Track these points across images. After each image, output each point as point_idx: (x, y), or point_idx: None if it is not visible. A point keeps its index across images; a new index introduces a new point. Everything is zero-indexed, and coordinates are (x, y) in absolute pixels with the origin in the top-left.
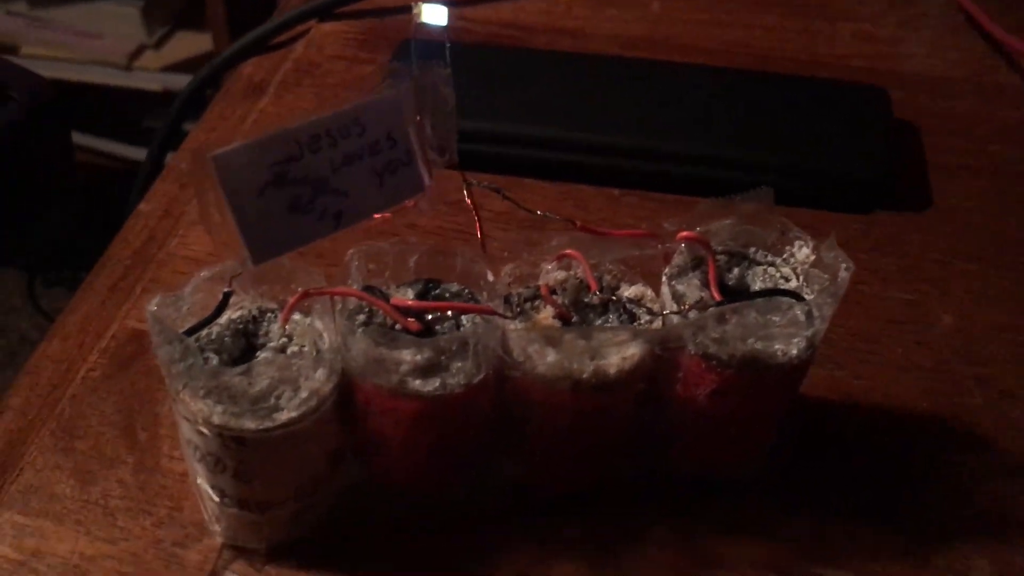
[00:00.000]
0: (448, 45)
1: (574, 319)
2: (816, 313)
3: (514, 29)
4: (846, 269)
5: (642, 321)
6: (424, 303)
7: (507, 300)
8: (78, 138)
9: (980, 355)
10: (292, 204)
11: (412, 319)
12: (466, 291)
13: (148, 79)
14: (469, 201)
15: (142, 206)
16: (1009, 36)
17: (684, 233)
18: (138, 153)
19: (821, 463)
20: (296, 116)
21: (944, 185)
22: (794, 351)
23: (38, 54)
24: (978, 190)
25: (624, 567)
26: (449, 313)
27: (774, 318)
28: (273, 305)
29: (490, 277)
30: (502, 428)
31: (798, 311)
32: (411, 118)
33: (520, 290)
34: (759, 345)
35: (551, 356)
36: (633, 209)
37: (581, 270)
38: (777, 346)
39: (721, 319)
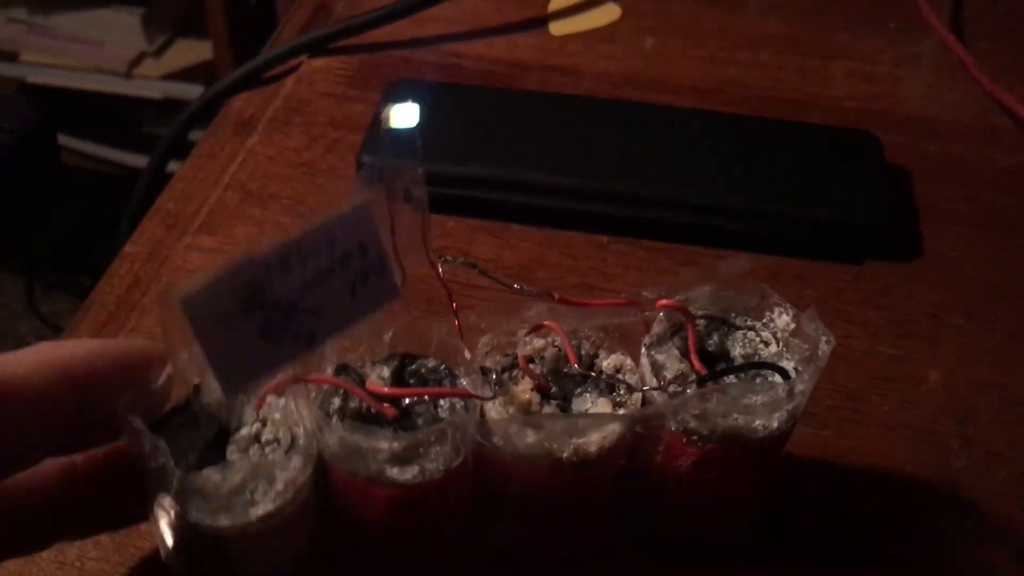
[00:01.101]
0: (420, 144)
1: (553, 390)
2: (797, 388)
3: (507, 66)
4: (827, 343)
5: (621, 393)
6: (400, 390)
7: (483, 372)
8: (79, 144)
9: (967, 414)
10: (262, 331)
11: (388, 405)
12: (443, 367)
13: (148, 87)
14: (442, 276)
15: (128, 248)
16: (995, 84)
17: (663, 301)
18: (137, 160)
19: (806, 525)
20: (262, 239)
21: (936, 233)
22: (775, 424)
23: (38, 61)
24: (969, 239)
25: None
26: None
27: (754, 396)
28: None
29: (467, 354)
30: (484, 499)
31: (780, 388)
32: (383, 223)
33: (498, 357)
34: (740, 420)
35: (531, 437)
36: (621, 256)
37: (559, 340)
38: (758, 421)
39: (702, 397)
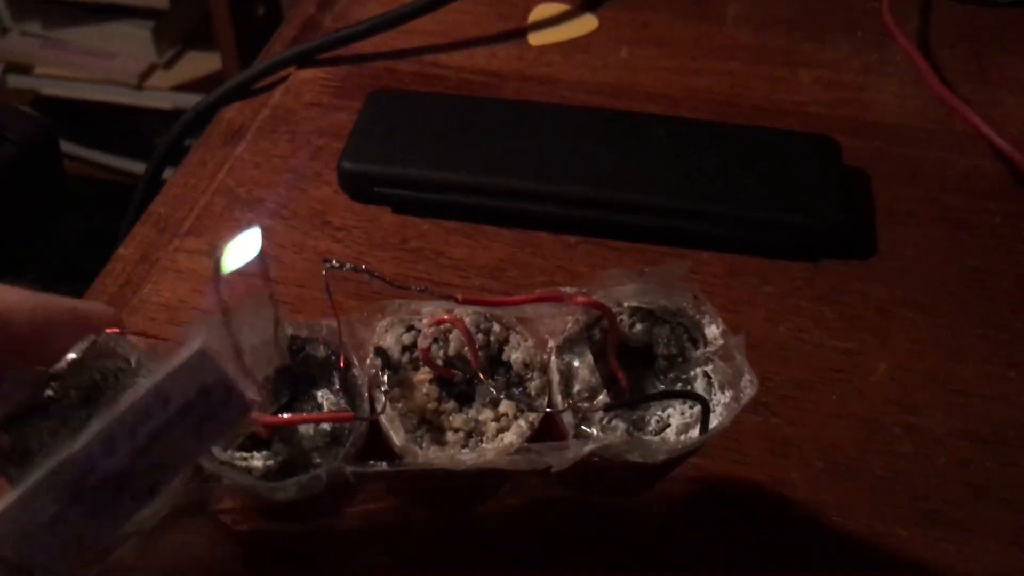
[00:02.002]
0: (265, 261)
1: (456, 377)
2: (714, 426)
3: (485, 75)
4: (751, 383)
5: (523, 409)
6: (278, 419)
7: (379, 352)
8: (89, 154)
9: (913, 403)
10: (93, 511)
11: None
12: (333, 357)
13: (158, 98)
14: (325, 282)
15: (121, 250)
16: (952, 95)
17: (581, 299)
18: None
19: (741, 507)
20: (79, 430)
21: (891, 233)
22: (679, 454)
23: (52, 73)
24: (924, 239)
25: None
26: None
27: (667, 434)
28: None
29: (355, 369)
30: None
31: (693, 443)
32: (227, 356)
33: (400, 332)
34: (646, 456)
35: (422, 455)
36: (588, 256)
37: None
38: (663, 456)
39: (607, 447)
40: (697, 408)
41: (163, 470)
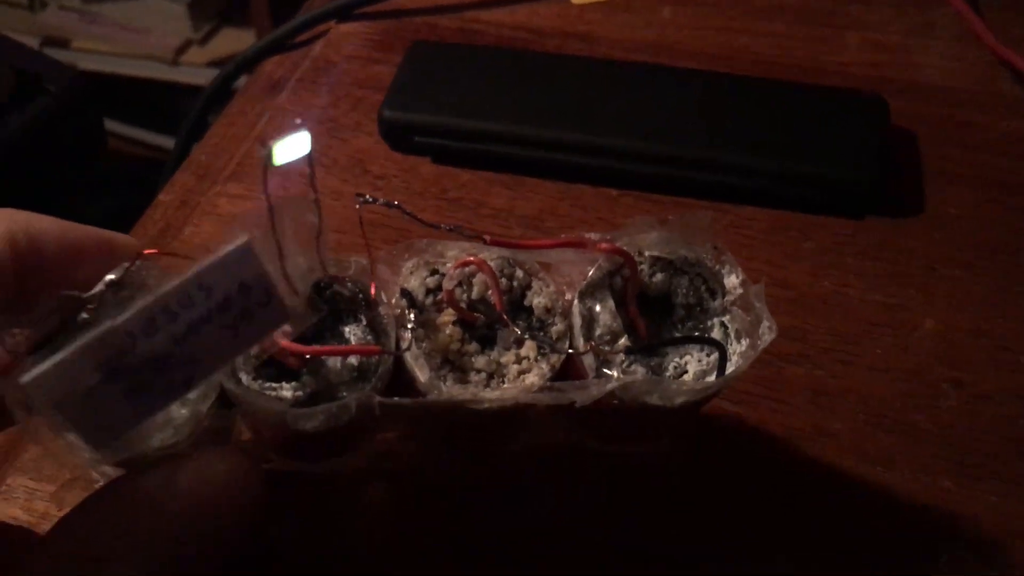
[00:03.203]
0: (311, 171)
1: (479, 320)
2: (728, 371)
3: (526, 32)
4: (770, 329)
5: (544, 352)
6: (308, 348)
7: (404, 294)
8: (125, 130)
9: (958, 359)
10: (129, 391)
11: (293, 358)
12: (360, 295)
13: (193, 74)
14: (359, 216)
15: (161, 196)
16: (1007, 49)
17: (604, 244)
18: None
19: (782, 456)
20: (159, 260)
21: (937, 192)
22: (699, 398)
23: (88, 48)
24: (970, 198)
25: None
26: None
27: (685, 378)
28: None
29: (382, 310)
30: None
31: (710, 386)
32: (271, 257)
33: (425, 274)
34: (664, 398)
35: (447, 394)
36: (629, 209)
37: (489, 279)
38: (680, 400)
39: (625, 387)
40: (714, 356)
41: (199, 365)
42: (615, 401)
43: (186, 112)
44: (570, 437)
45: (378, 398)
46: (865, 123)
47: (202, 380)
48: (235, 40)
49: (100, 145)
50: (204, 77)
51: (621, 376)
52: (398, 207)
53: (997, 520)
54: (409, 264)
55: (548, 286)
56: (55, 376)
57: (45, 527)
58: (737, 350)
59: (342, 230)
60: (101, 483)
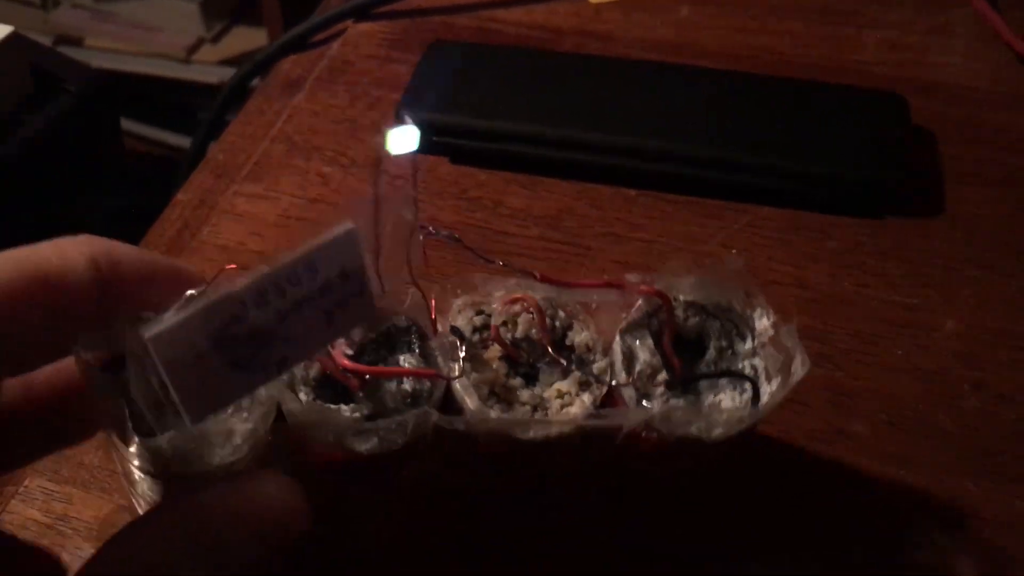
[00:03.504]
0: (415, 170)
1: (524, 355)
2: (762, 403)
3: (544, 31)
4: (802, 365)
5: (586, 386)
6: (366, 368)
7: (454, 331)
8: (137, 128)
9: (980, 360)
10: (233, 362)
11: (353, 379)
12: (413, 328)
13: (205, 72)
14: (422, 247)
15: (180, 195)
16: None
17: (644, 287)
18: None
19: (802, 456)
20: (240, 274)
21: (958, 193)
22: (735, 431)
23: (101, 46)
24: (991, 198)
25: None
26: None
27: (720, 410)
28: None
29: (432, 343)
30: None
31: (745, 414)
32: (369, 248)
33: (471, 314)
34: (702, 429)
35: (492, 425)
36: (647, 210)
37: (535, 315)
38: (718, 431)
39: (665, 416)
40: (747, 396)
41: (294, 347)
42: (654, 434)
43: (198, 110)
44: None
45: (435, 415)
46: (885, 122)
47: (295, 364)
48: (247, 39)
49: (117, 143)
50: (216, 75)
51: (661, 411)
52: (459, 241)
53: (1020, 523)
54: (459, 302)
55: (589, 326)
56: (175, 335)
57: (63, 529)
58: (768, 389)
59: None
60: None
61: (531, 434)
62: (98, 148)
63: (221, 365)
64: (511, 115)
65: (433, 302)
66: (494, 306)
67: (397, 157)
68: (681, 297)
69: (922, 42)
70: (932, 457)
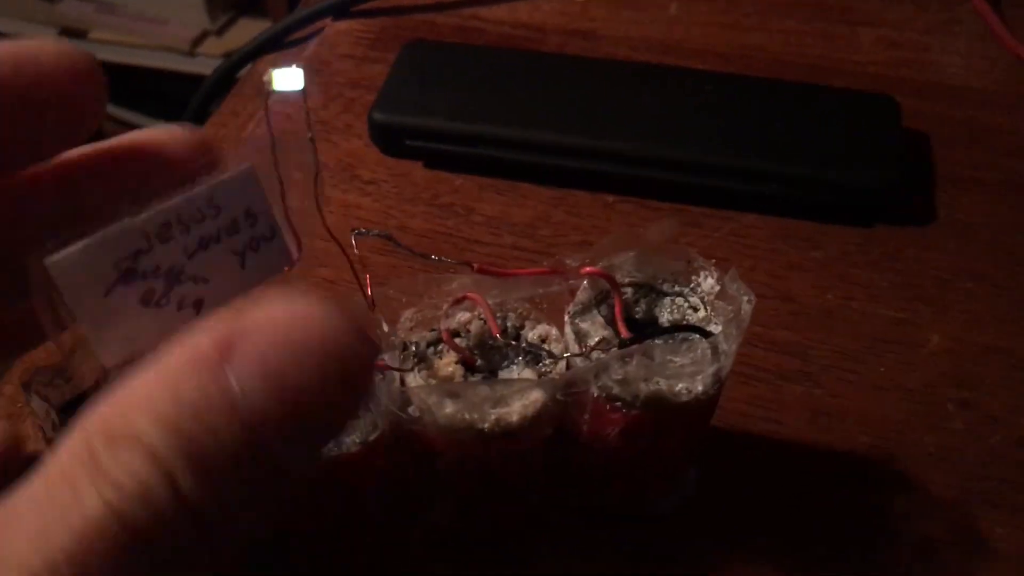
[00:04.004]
0: (307, 112)
1: (478, 363)
2: (721, 348)
3: (527, 30)
4: (748, 302)
5: (545, 363)
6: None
7: (404, 348)
8: (141, 120)
9: (968, 378)
10: (144, 299)
11: None
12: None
13: (210, 64)
14: (355, 251)
15: None
16: None
17: (587, 268)
18: None
19: (785, 485)
20: (144, 205)
21: (951, 198)
22: (700, 387)
23: (105, 39)
24: (987, 205)
25: None
26: None
27: (676, 358)
28: None
29: (384, 327)
30: (414, 475)
31: (701, 349)
32: (273, 189)
33: (424, 333)
34: (663, 384)
35: (450, 407)
36: (626, 216)
37: (482, 312)
38: (681, 385)
39: (623, 360)
40: (703, 353)
41: (210, 288)
42: (619, 405)
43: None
44: (573, 496)
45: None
46: (876, 125)
47: (212, 306)
48: (252, 31)
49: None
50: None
51: (614, 356)
52: (390, 238)
53: (1007, 551)
54: (407, 315)
55: (541, 321)
56: (76, 261)
57: None
58: (725, 343)
59: (329, 238)
60: None
61: (491, 419)
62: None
63: (131, 302)
64: (487, 118)
65: (369, 290)
66: (446, 308)
67: (283, 97)
68: (626, 279)
69: (920, 40)
70: (914, 481)
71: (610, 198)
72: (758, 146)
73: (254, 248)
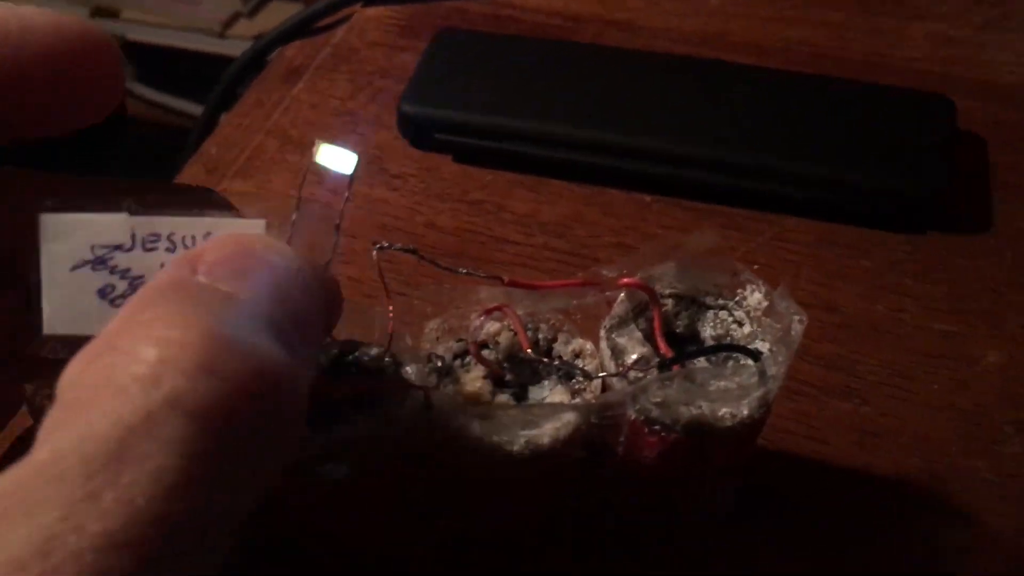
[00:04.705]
0: (348, 198)
1: (507, 377)
2: (769, 372)
3: (562, 19)
4: (799, 321)
5: (579, 381)
6: (332, 385)
7: (430, 359)
8: (172, 101)
9: None
10: (101, 291)
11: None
12: (387, 355)
13: (241, 47)
14: (377, 265)
15: None
16: None
17: (625, 280)
18: None
19: (824, 508)
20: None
21: (1008, 206)
22: (745, 412)
23: (137, 19)
24: None
25: None
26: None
27: (720, 381)
28: None
29: (408, 340)
30: (435, 494)
31: (748, 373)
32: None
33: (450, 343)
34: (705, 409)
35: (478, 429)
36: (663, 217)
37: (512, 321)
38: (725, 409)
39: (663, 383)
40: (749, 377)
41: None
42: (657, 428)
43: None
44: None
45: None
46: (928, 127)
47: None
48: (283, 13)
49: (121, 121)
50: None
51: (654, 379)
52: (415, 252)
53: None
54: (432, 326)
55: (574, 335)
56: (63, 227)
57: None
58: (774, 366)
59: (355, 234)
60: None
61: (521, 443)
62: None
63: (90, 288)
64: (519, 112)
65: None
66: (474, 319)
67: (330, 177)
68: (667, 291)
69: (974, 37)
70: (967, 509)
71: (647, 198)
72: (804, 146)
73: None
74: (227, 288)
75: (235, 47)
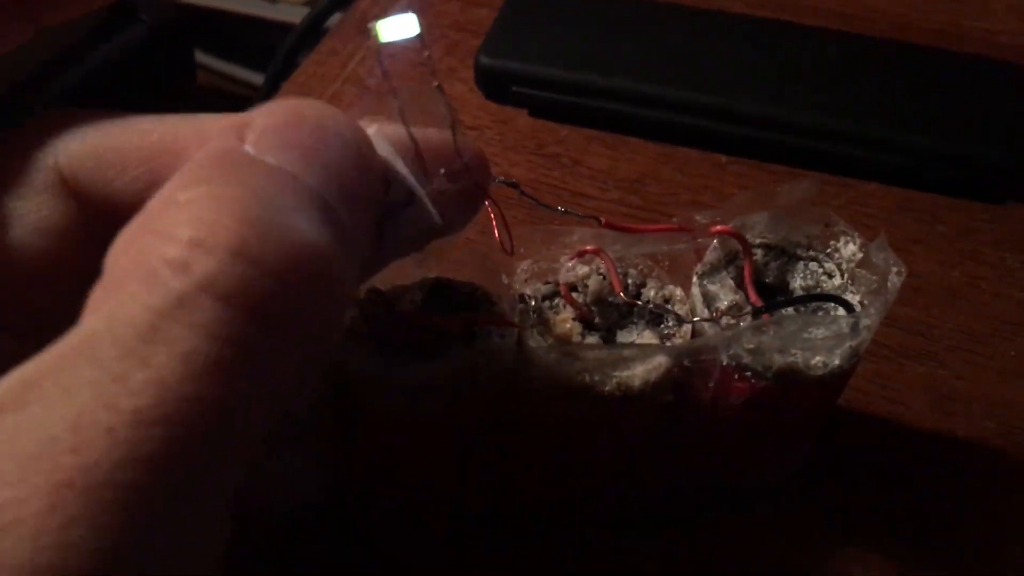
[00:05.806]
0: (429, 56)
1: (596, 320)
2: (863, 323)
3: None
4: (898, 273)
5: (669, 325)
6: (430, 320)
7: (522, 299)
8: (224, 67)
9: None
10: None
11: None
12: (479, 292)
13: (292, 12)
14: (489, 200)
15: None
16: None
17: (717, 227)
18: None
19: (897, 469)
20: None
21: None
22: (836, 362)
23: None
24: None
25: None
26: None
27: (815, 331)
28: None
29: (504, 279)
30: (517, 445)
31: (843, 323)
32: (403, 150)
33: (539, 285)
34: (798, 357)
35: (570, 369)
36: (739, 178)
37: (604, 268)
38: (818, 358)
39: (757, 330)
40: (840, 328)
41: None
42: (748, 375)
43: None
44: (678, 470)
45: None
46: (1010, 97)
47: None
48: None
49: (190, 77)
50: (301, 16)
51: (748, 326)
52: (515, 186)
53: None
54: (523, 267)
55: (664, 281)
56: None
57: None
58: (868, 318)
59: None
60: None
61: (612, 383)
62: (170, 82)
63: None
64: (597, 67)
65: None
66: (565, 261)
67: (397, 46)
68: (757, 240)
69: None
70: None
71: (722, 158)
72: (884, 112)
73: (391, 217)
74: (274, 161)
75: (286, 13)
